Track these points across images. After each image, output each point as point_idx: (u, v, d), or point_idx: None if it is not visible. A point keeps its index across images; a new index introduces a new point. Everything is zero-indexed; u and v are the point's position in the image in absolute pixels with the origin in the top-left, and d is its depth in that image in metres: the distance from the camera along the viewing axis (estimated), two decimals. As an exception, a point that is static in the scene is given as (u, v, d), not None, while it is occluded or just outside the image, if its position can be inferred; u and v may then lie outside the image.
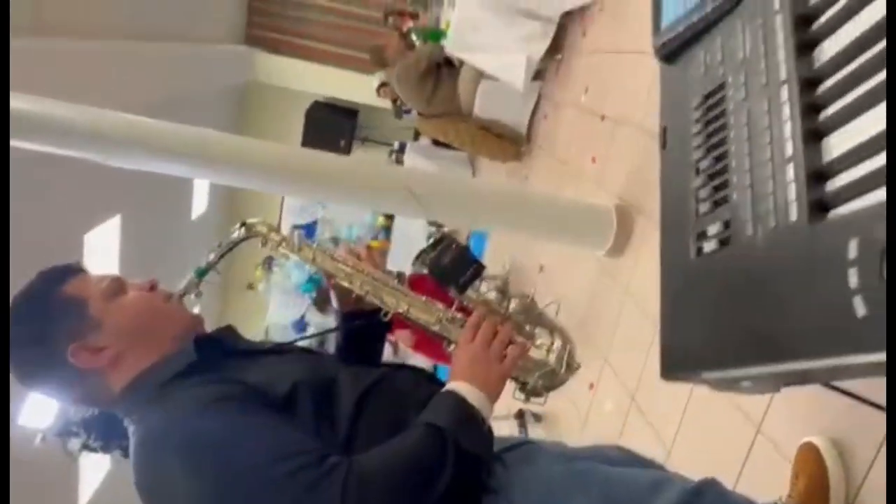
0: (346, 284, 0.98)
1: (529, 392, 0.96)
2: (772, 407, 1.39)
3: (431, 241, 1.00)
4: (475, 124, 4.38)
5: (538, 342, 0.99)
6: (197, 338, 0.93)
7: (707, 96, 0.63)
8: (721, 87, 0.61)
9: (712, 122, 0.61)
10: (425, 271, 1.00)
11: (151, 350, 0.89)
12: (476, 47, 3.91)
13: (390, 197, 2.25)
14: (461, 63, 4.22)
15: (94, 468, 4.58)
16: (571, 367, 0.98)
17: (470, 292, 0.98)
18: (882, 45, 0.44)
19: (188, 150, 2.25)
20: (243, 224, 1.00)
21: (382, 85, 6.27)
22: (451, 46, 3.99)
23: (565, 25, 3.79)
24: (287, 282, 7.63)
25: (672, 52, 0.72)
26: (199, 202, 7.12)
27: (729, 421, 1.52)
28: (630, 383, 2.14)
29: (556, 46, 3.92)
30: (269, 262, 7.59)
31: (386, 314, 0.98)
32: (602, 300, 2.60)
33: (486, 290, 1.02)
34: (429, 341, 2.90)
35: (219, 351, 0.93)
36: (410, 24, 5.81)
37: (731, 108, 0.59)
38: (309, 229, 7.62)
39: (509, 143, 4.41)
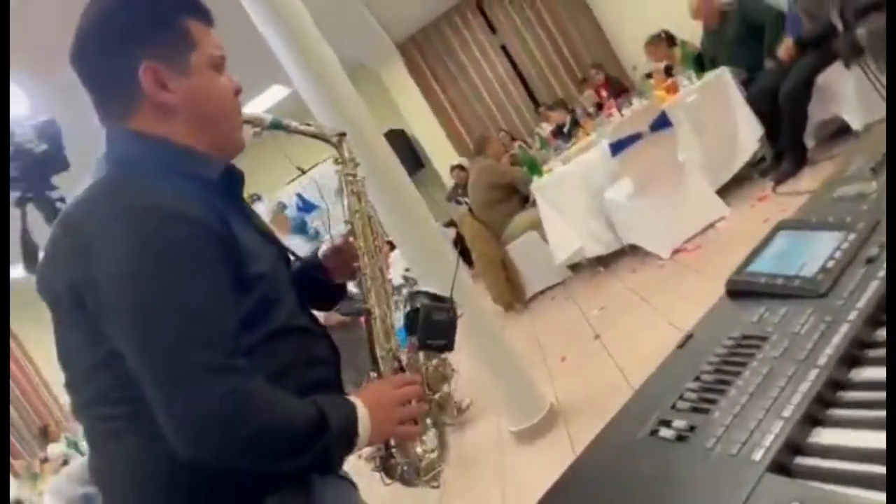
0: (359, 254, 0.99)
1: (384, 467, 0.94)
2: None
3: (436, 293, 1.00)
4: (501, 255, 4.51)
5: (425, 439, 0.97)
6: (229, 165, 0.91)
7: (746, 337, 0.68)
8: (763, 339, 0.66)
9: (737, 355, 0.65)
10: (410, 306, 0.98)
11: (197, 135, 0.85)
12: (553, 204, 4.12)
13: (436, 255, 2.44)
14: (531, 203, 4.43)
15: None
16: (427, 480, 0.96)
17: (420, 355, 0.98)
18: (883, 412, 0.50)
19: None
20: (343, 134, 1.02)
21: (460, 168, 6.53)
22: (537, 187, 4.21)
23: (625, 252, 4.00)
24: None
25: (740, 291, 0.77)
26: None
27: None
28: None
29: (606, 261, 4.13)
30: (254, 198, 7.50)
31: (361, 310, 0.98)
32: (482, 468, 2.54)
33: (426, 362, 1.01)
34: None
35: (233, 192, 0.90)
36: (517, 144, 6.19)
37: (760, 357, 0.63)
38: (307, 207, 7.60)
39: (511, 291, 4.51)
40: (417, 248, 2.51)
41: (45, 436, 6.38)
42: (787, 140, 3.65)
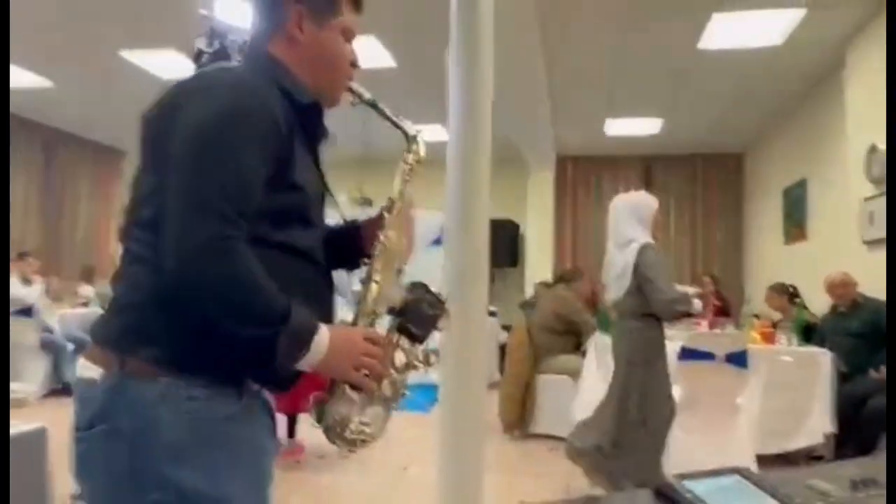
0: (385, 226, 1.08)
1: (318, 409, 0.98)
2: None
3: (435, 293, 1.05)
4: (530, 379, 4.48)
5: (368, 414, 1.00)
6: (317, 103, 1.04)
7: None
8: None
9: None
10: (408, 292, 1.04)
11: (307, 73, 1.03)
12: (600, 364, 4.08)
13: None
14: (582, 353, 4.41)
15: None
16: (347, 441, 0.99)
17: (397, 336, 1.03)
18: None
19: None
20: (419, 132, 1.16)
21: (545, 285, 6.63)
22: (595, 341, 4.20)
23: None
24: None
25: (665, 495, 0.81)
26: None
27: None
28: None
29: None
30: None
31: (367, 262, 1.06)
32: None
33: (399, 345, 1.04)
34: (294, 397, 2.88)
35: (311, 123, 1.03)
36: (602, 294, 6.25)
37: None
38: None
39: (520, 416, 4.44)
40: (462, 329, 2.57)
41: (89, 275, 6.86)
42: (851, 450, 3.44)
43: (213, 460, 0.88)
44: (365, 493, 3.16)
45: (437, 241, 7.47)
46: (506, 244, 8.14)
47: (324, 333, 0.91)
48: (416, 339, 1.05)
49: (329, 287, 1.08)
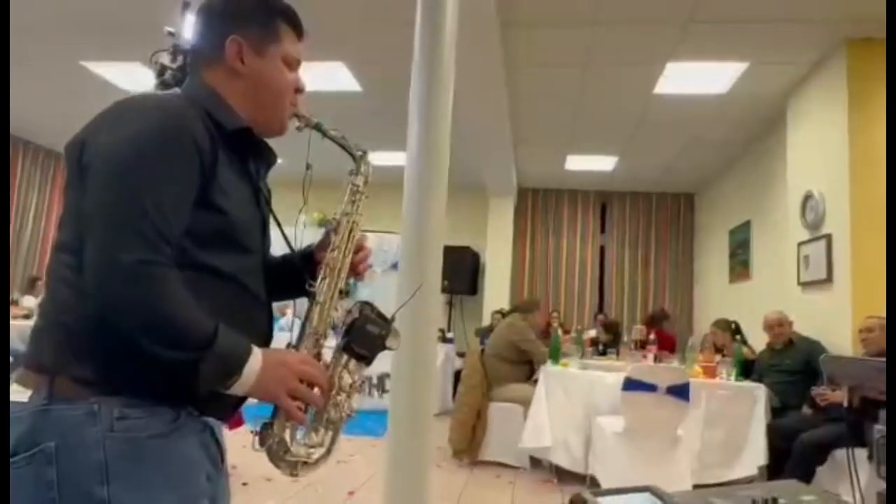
0: (336, 248, 1.08)
1: (261, 433, 0.98)
2: None
3: (380, 312, 1.05)
4: (481, 406, 4.52)
5: (313, 437, 1.01)
6: (245, 128, 1.03)
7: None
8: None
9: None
10: (355, 311, 1.03)
11: (245, 104, 1.04)
12: (550, 394, 4.16)
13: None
14: (533, 381, 4.49)
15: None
16: (293, 468, 0.99)
17: (344, 357, 1.03)
18: None
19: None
20: (364, 152, 1.17)
21: (501, 314, 6.77)
22: (547, 371, 4.28)
23: (584, 480, 3.93)
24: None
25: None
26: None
27: None
28: None
29: (564, 477, 4.06)
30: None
31: (311, 285, 1.06)
32: None
33: (343, 366, 1.04)
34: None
35: (243, 148, 1.03)
36: (556, 323, 6.46)
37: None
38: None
39: (470, 443, 4.47)
40: (412, 354, 2.63)
41: (32, 286, 6.63)
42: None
43: (142, 477, 0.87)
44: (309, 516, 3.13)
45: (395, 266, 7.50)
46: (466, 272, 8.22)
47: (256, 358, 0.91)
48: (363, 359, 1.04)
49: (264, 313, 1.06)
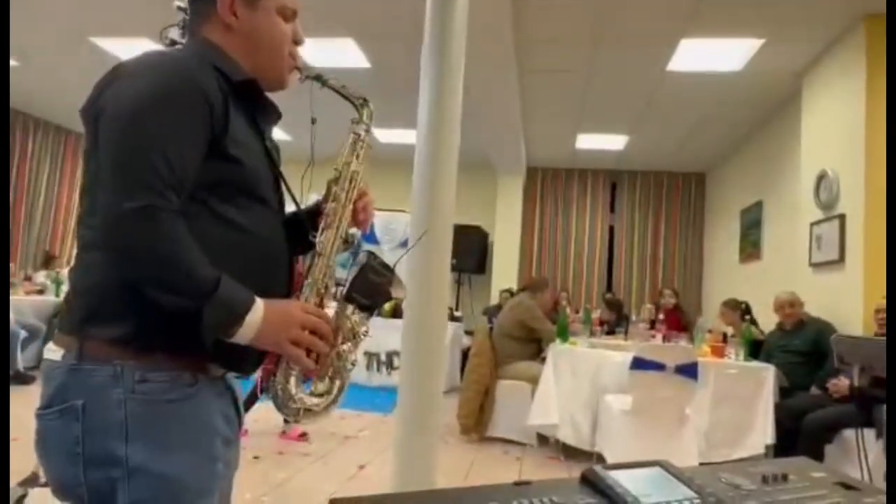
0: (335, 198, 1.07)
1: (265, 378, 0.99)
2: None
3: (385, 262, 1.04)
4: (490, 384, 4.55)
5: (319, 386, 1.02)
6: (252, 80, 1.02)
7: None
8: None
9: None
10: (364, 261, 1.03)
11: (244, 57, 1.03)
12: (558, 372, 4.18)
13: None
14: (542, 360, 4.51)
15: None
16: (296, 415, 1.00)
17: (349, 308, 1.03)
18: None
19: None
20: (366, 99, 1.13)
21: (509, 293, 6.76)
22: (555, 349, 4.30)
23: (591, 457, 3.97)
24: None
25: (590, 482, 0.88)
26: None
27: None
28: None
29: (571, 454, 4.10)
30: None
31: (314, 236, 1.06)
32: None
33: (346, 316, 1.03)
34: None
35: (251, 99, 1.02)
36: (565, 303, 6.44)
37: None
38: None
39: (478, 420, 4.51)
40: (422, 332, 2.64)
41: (47, 262, 6.70)
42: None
43: (160, 438, 0.91)
44: (319, 489, 3.18)
45: (405, 243, 7.51)
46: (475, 251, 8.22)
47: (258, 308, 0.91)
48: (366, 308, 1.03)
49: (286, 266, 1.06)
